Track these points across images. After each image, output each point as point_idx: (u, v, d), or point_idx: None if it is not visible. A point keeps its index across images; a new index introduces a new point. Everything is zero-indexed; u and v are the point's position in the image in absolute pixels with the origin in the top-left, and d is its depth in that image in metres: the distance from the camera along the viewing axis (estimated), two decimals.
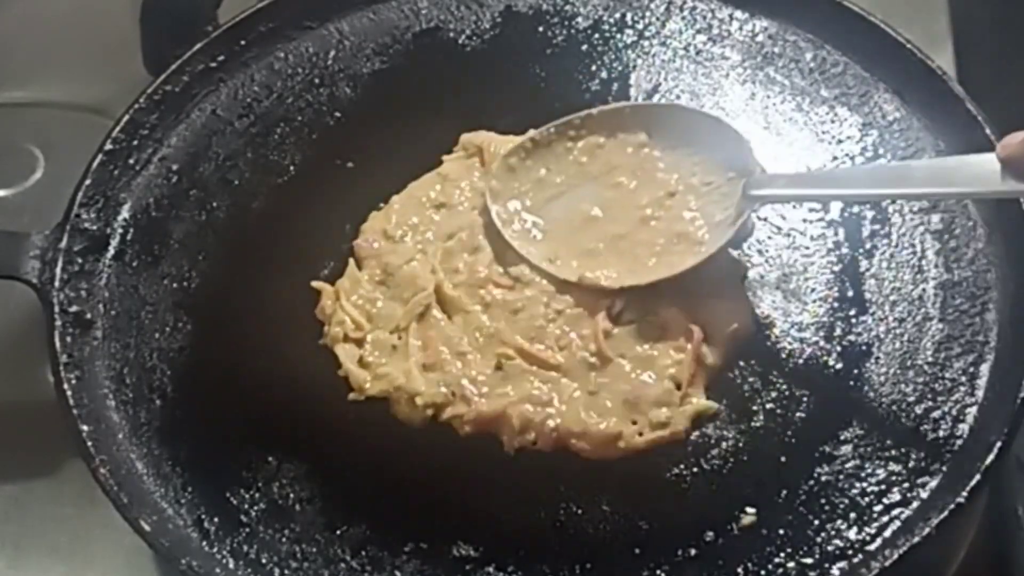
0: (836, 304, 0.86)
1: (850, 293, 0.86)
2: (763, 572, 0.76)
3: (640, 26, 1.00)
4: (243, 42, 0.99)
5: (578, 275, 0.85)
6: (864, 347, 0.84)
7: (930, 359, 0.83)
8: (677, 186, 0.88)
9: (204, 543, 0.78)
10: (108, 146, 0.92)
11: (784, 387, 0.83)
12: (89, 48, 1.15)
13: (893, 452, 0.80)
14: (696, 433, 0.82)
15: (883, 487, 0.78)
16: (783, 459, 0.80)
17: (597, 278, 0.85)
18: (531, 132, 0.91)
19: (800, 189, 0.86)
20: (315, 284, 0.88)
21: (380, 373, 0.84)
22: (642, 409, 0.81)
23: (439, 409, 0.82)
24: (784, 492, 0.79)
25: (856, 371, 0.83)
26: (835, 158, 0.92)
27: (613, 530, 0.79)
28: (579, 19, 1.01)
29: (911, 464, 0.79)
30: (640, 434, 0.81)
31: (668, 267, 0.85)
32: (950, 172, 0.78)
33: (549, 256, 0.86)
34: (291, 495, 0.81)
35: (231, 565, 0.78)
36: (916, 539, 0.74)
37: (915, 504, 0.77)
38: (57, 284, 0.86)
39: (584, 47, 1.00)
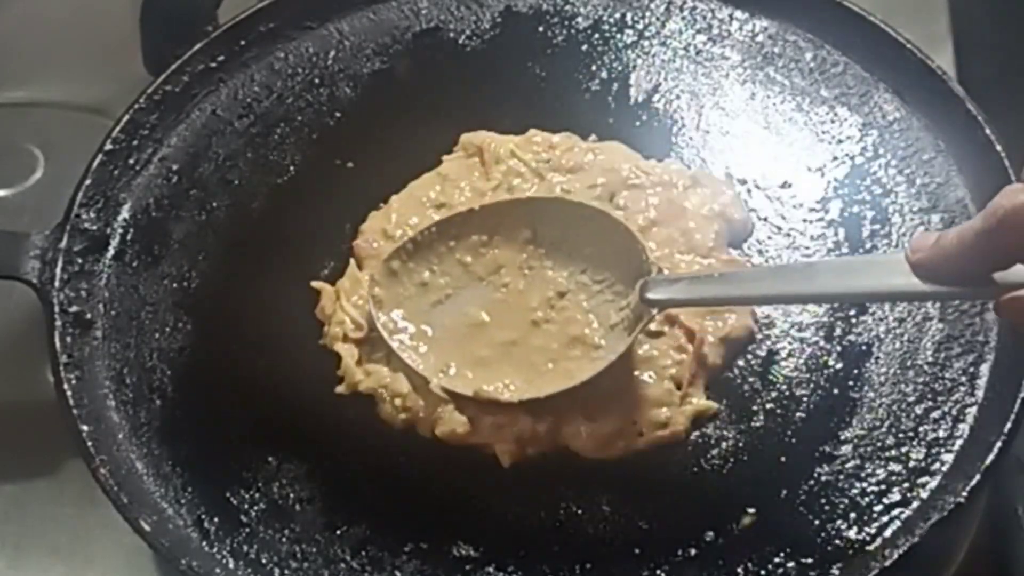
0: (836, 304, 0.86)
1: None
2: (763, 572, 0.76)
3: (640, 26, 1.00)
4: (243, 42, 0.99)
5: (473, 389, 0.81)
6: (864, 347, 0.84)
7: (930, 359, 0.83)
8: (567, 285, 0.84)
9: (204, 543, 0.78)
10: (108, 146, 0.92)
11: (784, 387, 0.83)
12: (89, 48, 1.15)
13: (893, 452, 0.80)
14: (696, 433, 0.82)
15: (883, 487, 0.78)
16: (783, 459, 0.80)
17: (493, 392, 0.81)
18: (410, 233, 0.86)
19: (700, 291, 0.79)
20: (315, 284, 0.88)
21: (369, 370, 0.84)
22: (642, 409, 0.81)
23: (414, 421, 0.82)
24: (784, 492, 0.79)
25: (856, 371, 0.83)
26: (835, 158, 0.92)
27: (613, 530, 0.79)
28: (579, 19, 1.01)
29: (911, 464, 0.79)
30: (640, 434, 0.81)
31: (566, 376, 0.80)
32: (856, 272, 0.73)
33: (440, 368, 0.82)
34: (291, 495, 0.81)
35: (231, 565, 0.78)
36: (916, 539, 0.74)
37: (915, 504, 0.77)
38: (57, 284, 0.86)
39: (584, 47, 1.00)
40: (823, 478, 0.79)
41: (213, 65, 0.98)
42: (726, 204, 0.89)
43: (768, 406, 0.82)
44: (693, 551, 0.77)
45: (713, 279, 0.80)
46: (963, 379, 0.82)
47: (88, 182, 0.91)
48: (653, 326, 0.83)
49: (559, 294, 0.84)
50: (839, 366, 0.84)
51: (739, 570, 0.76)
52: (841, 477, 0.79)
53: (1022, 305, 0.67)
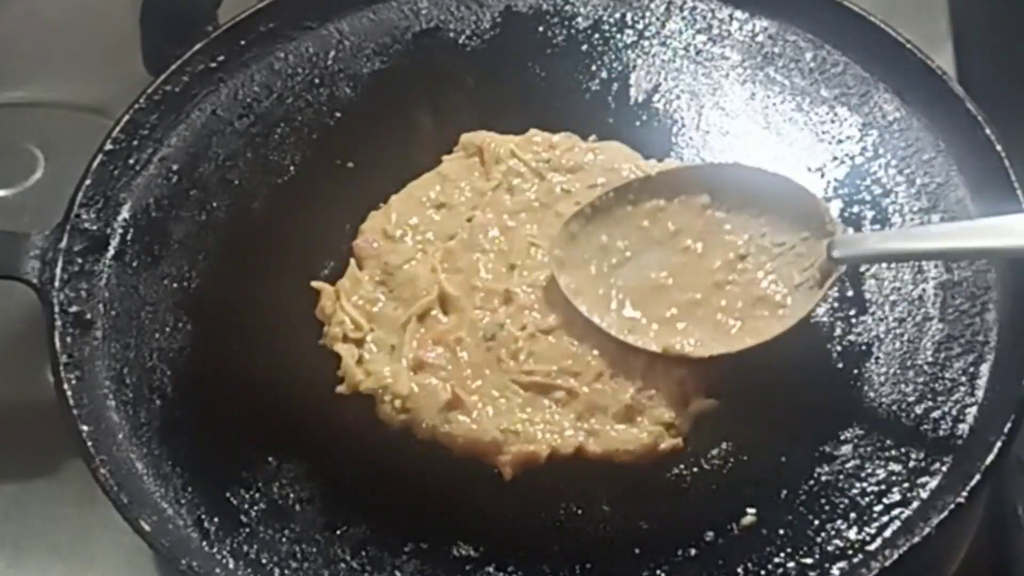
0: (836, 304, 0.86)
1: (850, 293, 0.86)
2: (763, 572, 0.76)
3: (640, 26, 1.00)
4: (243, 42, 0.99)
5: (662, 345, 0.82)
6: (864, 347, 0.84)
7: (930, 359, 0.83)
8: (747, 248, 0.85)
9: (204, 543, 0.78)
10: (108, 146, 0.92)
11: (784, 387, 0.83)
12: (89, 48, 1.15)
13: (893, 452, 0.80)
14: (696, 433, 0.82)
15: (883, 487, 0.78)
16: (783, 459, 0.80)
17: (683, 348, 0.82)
18: (590, 199, 0.87)
19: (889, 246, 0.82)
20: (315, 284, 0.88)
21: (370, 370, 0.84)
22: (642, 410, 0.81)
23: (413, 421, 0.82)
24: (784, 492, 0.79)
25: (856, 371, 0.83)
26: (835, 158, 0.92)
27: (613, 530, 0.79)
28: (579, 19, 1.01)
29: (911, 464, 0.79)
30: (640, 435, 0.81)
31: (755, 334, 0.82)
32: None
33: (627, 327, 0.84)
34: (291, 495, 0.81)
35: (231, 565, 0.78)
36: (916, 539, 0.74)
37: (915, 504, 0.77)
38: (57, 284, 0.86)
39: (584, 47, 1.00)
40: (823, 478, 0.79)
41: (213, 65, 0.98)
42: None
43: (768, 406, 0.82)
44: (693, 551, 0.77)
45: (901, 234, 0.85)
46: (963, 379, 0.82)
47: (88, 182, 0.91)
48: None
49: (739, 257, 0.85)
50: (839, 366, 0.84)
51: (739, 570, 0.76)
52: (841, 477, 0.79)
53: None
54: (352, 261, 0.89)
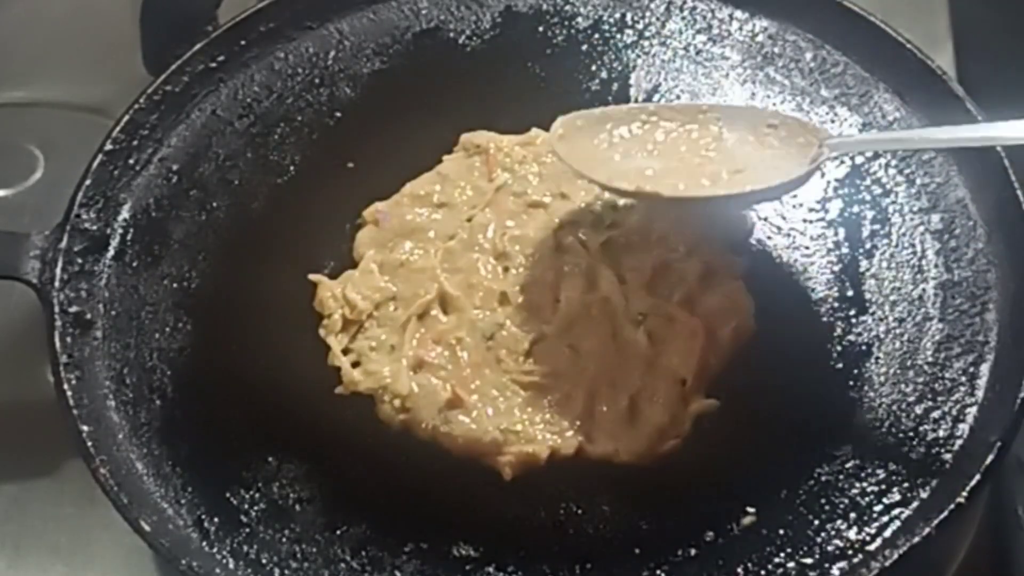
0: (836, 304, 0.86)
1: (850, 293, 0.87)
2: (763, 572, 0.76)
3: (640, 26, 1.00)
4: (243, 42, 0.99)
5: (635, 186, 0.84)
6: (864, 347, 0.84)
7: (930, 359, 0.83)
8: (746, 165, 0.86)
9: (204, 543, 0.78)
10: (108, 146, 0.92)
11: (784, 387, 0.83)
12: (89, 48, 1.15)
13: (893, 452, 0.80)
14: (696, 433, 0.82)
15: (883, 487, 0.78)
16: (783, 459, 0.80)
17: (654, 190, 0.84)
18: (601, 108, 0.90)
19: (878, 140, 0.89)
20: (312, 277, 0.88)
21: (370, 370, 0.84)
22: (643, 410, 0.81)
23: (412, 422, 0.82)
24: (784, 492, 0.79)
25: (856, 371, 0.83)
26: (835, 158, 0.92)
27: (613, 530, 0.79)
28: (579, 19, 1.01)
29: (911, 464, 0.79)
30: (640, 435, 0.81)
31: (727, 187, 0.84)
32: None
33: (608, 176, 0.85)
34: (291, 495, 0.81)
35: (231, 565, 0.78)
36: (916, 539, 0.74)
37: (915, 504, 0.77)
38: (57, 284, 0.86)
39: (584, 47, 1.00)
40: (823, 478, 0.79)
41: (213, 65, 0.98)
42: None
43: (768, 406, 0.82)
44: (693, 551, 0.77)
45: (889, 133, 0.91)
46: (963, 379, 0.82)
47: (88, 182, 0.91)
48: (658, 326, 0.84)
49: (736, 171, 0.85)
50: (839, 366, 0.84)
51: (739, 570, 0.76)
52: (841, 477, 0.79)
53: None
54: (357, 263, 0.89)
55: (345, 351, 0.85)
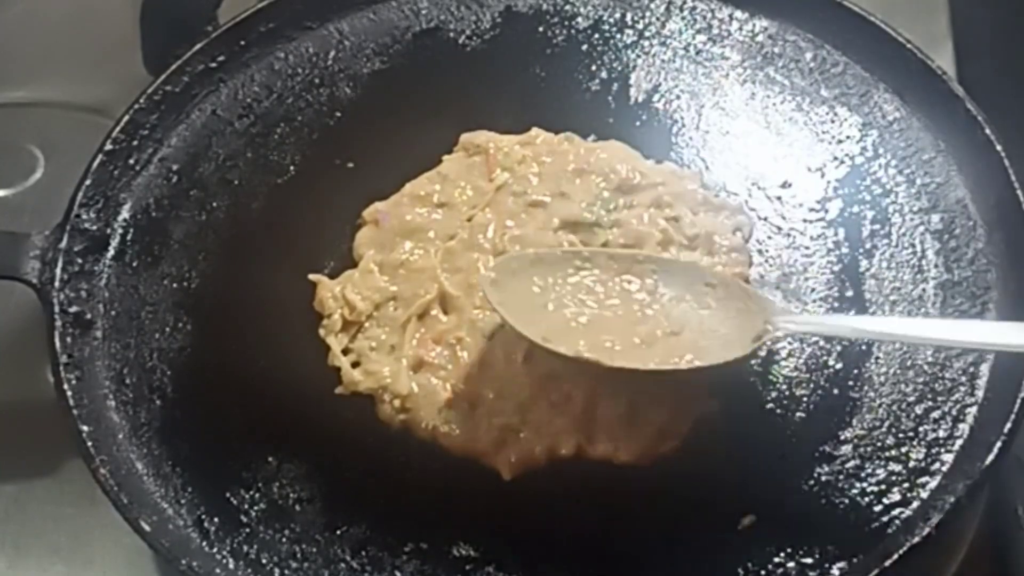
0: (836, 304, 0.86)
1: (850, 293, 0.87)
2: (763, 572, 0.76)
3: (640, 26, 1.00)
4: (243, 42, 0.99)
5: (573, 350, 0.80)
6: (864, 347, 0.84)
7: (930, 359, 0.83)
8: (682, 328, 0.82)
9: (204, 543, 0.78)
10: (108, 146, 0.92)
11: (784, 387, 0.83)
12: (89, 48, 1.15)
13: (893, 452, 0.80)
14: (696, 433, 0.81)
15: (883, 487, 0.78)
16: (783, 459, 0.80)
17: (595, 355, 0.80)
18: (535, 250, 0.86)
19: (829, 325, 0.83)
20: (312, 277, 0.88)
21: (370, 370, 0.84)
22: (642, 410, 0.81)
23: (412, 422, 0.82)
24: (784, 492, 0.79)
25: (856, 371, 0.83)
26: (835, 158, 0.92)
27: (613, 530, 0.79)
28: (579, 19, 1.01)
29: (911, 464, 0.79)
30: (640, 435, 0.81)
31: (666, 357, 0.80)
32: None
33: (544, 336, 0.81)
34: (291, 495, 0.81)
35: (231, 565, 0.78)
36: (916, 539, 0.74)
37: (915, 504, 0.77)
38: (57, 284, 0.86)
39: (584, 47, 1.00)
40: (823, 478, 0.79)
41: (213, 65, 0.98)
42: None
43: (768, 406, 0.82)
44: (693, 551, 0.77)
45: (843, 318, 0.84)
46: (963, 379, 0.82)
47: (88, 182, 0.91)
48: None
49: (672, 333, 0.82)
50: (839, 366, 0.84)
51: (739, 570, 0.76)
52: (841, 477, 0.79)
53: None
54: (357, 263, 0.89)
55: (345, 351, 0.85)
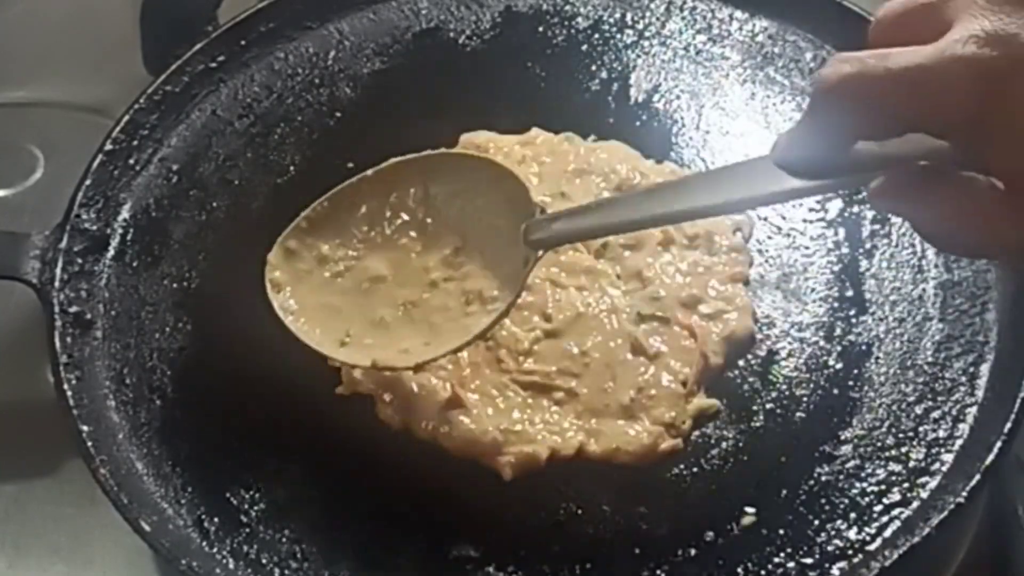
0: (836, 304, 0.86)
1: (850, 293, 0.87)
2: (763, 572, 0.76)
3: (640, 26, 1.00)
4: (243, 42, 0.99)
5: (371, 359, 0.80)
6: (864, 347, 0.84)
7: (930, 359, 0.83)
8: (463, 240, 0.81)
9: (204, 543, 0.78)
10: (108, 146, 0.92)
11: (784, 387, 0.83)
12: (89, 48, 1.15)
13: (893, 452, 0.80)
14: (696, 433, 0.82)
15: (883, 487, 0.78)
16: (783, 459, 0.80)
17: (390, 360, 0.79)
18: (304, 212, 0.84)
19: (578, 224, 0.76)
20: None
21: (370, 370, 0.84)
22: (642, 410, 0.81)
23: (412, 423, 0.82)
24: (784, 492, 0.79)
25: (856, 371, 0.83)
26: None
27: (613, 530, 0.79)
28: (579, 19, 1.01)
29: (911, 464, 0.79)
30: (640, 435, 0.81)
31: (463, 332, 0.79)
32: (729, 182, 0.70)
33: (341, 338, 0.81)
34: (291, 495, 0.81)
35: (231, 565, 0.78)
36: (916, 539, 0.74)
37: (915, 504, 0.77)
38: (57, 284, 0.86)
39: (584, 47, 1.00)
40: (823, 478, 0.79)
41: (213, 65, 0.98)
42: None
43: (768, 406, 0.82)
44: (693, 551, 0.77)
45: (590, 210, 0.78)
46: (963, 379, 0.82)
47: (88, 182, 0.91)
48: (657, 326, 0.84)
49: (456, 250, 0.82)
50: (839, 366, 0.84)
51: (739, 570, 0.76)
52: (841, 477, 0.79)
53: (887, 192, 0.62)
54: None
55: None
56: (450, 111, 0.96)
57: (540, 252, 0.77)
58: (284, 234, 0.84)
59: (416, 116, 0.97)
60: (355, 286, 0.83)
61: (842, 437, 0.81)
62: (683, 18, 1.00)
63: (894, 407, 0.82)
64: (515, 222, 0.78)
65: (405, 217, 0.84)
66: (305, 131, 0.97)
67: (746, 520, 0.78)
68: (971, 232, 0.60)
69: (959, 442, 0.79)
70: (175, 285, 0.89)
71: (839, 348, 0.84)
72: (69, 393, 0.82)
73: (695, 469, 0.80)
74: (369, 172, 0.84)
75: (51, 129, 1.10)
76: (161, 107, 0.95)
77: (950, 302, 0.85)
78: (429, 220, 0.83)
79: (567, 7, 1.02)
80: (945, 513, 0.75)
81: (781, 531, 0.77)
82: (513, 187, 0.80)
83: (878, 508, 0.77)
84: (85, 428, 0.80)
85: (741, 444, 0.81)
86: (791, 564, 0.76)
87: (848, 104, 0.60)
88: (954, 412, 0.81)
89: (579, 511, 0.79)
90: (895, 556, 0.74)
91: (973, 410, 0.80)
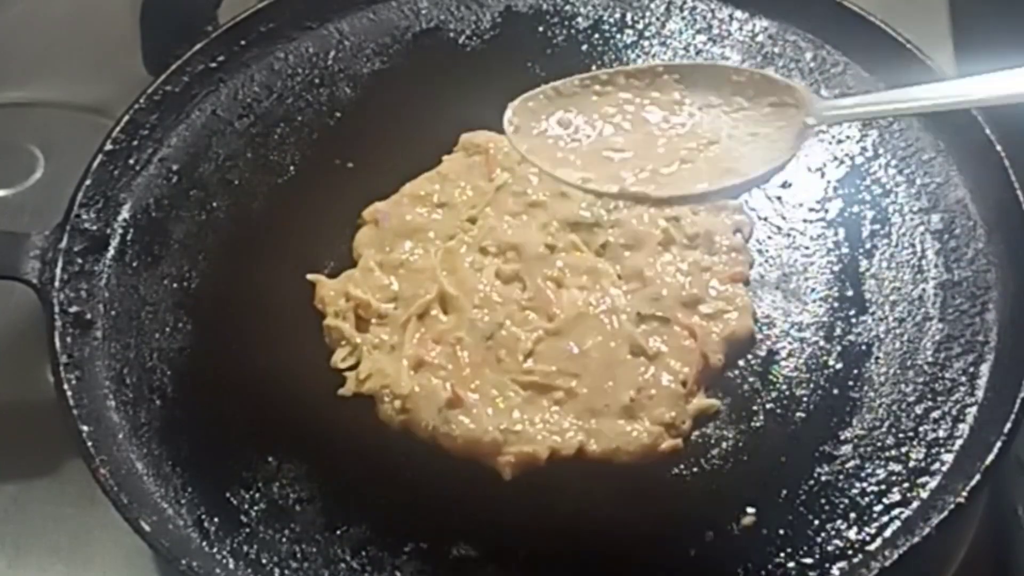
0: (836, 304, 0.86)
1: (850, 293, 0.87)
2: (763, 572, 0.76)
3: (640, 26, 1.00)
4: (243, 42, 0.99)
5: (619, 187, 0.79)
6: (864, 347, 0.84)
7: (930, 359, 0.83)
8: (718, 136, 0.81)
9: (204, 543, 0.78)
10: (108, 146, 0.92)
11: (784, 387, 0.83)
12: (89, 48, 1.15)
13: (893, 452, 0.80)
14: (696, 433, 0.82)
15: (883, 487, 0.78)
16: (783, 459, 0.80)
17: (639, 190, 0.78)
18: (552, 83, 0.84)
19: (867, 101, 0.80)
20: (310, 277, 0.88)
21: (370, 370, 0.84)
22: (642, 410, 0.81)
23: (412, 423, 0.82)
24: (784, 492, 0.79)
25: (856, 371, 0.83)
26: (835, 158, 0.92)
27: (613, 530, 0.79)
28: (579, 19, 1.01)
29: (911, 464, 0.79)
30: (640, 435, 0.81)
31: (712, 181, 0.78)
32: (1002, 79, 0.73)
33: (582, 177, 0.81)
34: (291, 495, 0.81)
35: (231, 565, 0.78)
36: (916, 539, 0.74)
37: (915, 504, 0.77)
38: (57, 284, 0.86)
39: (584, 47, 1.00)
40: (823, 478, 0.79)
41: (213, 65, 0.98)
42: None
43: (768, 406, 0.82)
44: (693, 551, 0.77)
45: (875, 97, 0.82)
46: (963, 379, 0.82)
47: (88, 182, 0.91)
48: (657, 325, 0.84)
49: (710, 142, 0.81)
50: (839, 366, 0.84)
51: (739, 570, 0.76)
52: (841, 477, 0.79)
53: None
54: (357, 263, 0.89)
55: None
56: (450, 111, 0.96)
57: (820, 125, 0.78)
58: (528, 94, 0.83)
59: (416, 116, 0.97)
60: (594, 152, 0.81)
61: (842, 437, 0.81)
62: (683, 18, 1.00)
63: (894, 407, 0.82)
64: (781, 127, 0.79)
65: (658, 111, 0.82)
66: (305, 131, 0.97)
67: (746, 520, 0.78)
68: None
69: (959, 442, 0.79)
70: (175, 285, 0.89)
71: (839, 348, 0.84)
72: (69, 393, 0.82)
73: (695, 469, 0.81)
74: (628, 67, 0.84)
75: (51, 129, 1.10)
76: (161, 107, 0.95)
77: (950, 302, 0.85)
78: (682, 117, 0.82)
79: (567, 7, 1.02)
80: (945, 513, 0.75)
81: (781, 531, 0.77)
82: (784, 96, 0.80)
83: (878, 508, 0.77)
84: (85, 428, 0.81)
85: (741, 444, 0.81)
86: (791, 564, 0.76)
87: None
88: (954, 412, 0.81)
89: (579, 511, 0.79)
90: (895, 556, 0.74)
91: (973, 410, 0.81)
